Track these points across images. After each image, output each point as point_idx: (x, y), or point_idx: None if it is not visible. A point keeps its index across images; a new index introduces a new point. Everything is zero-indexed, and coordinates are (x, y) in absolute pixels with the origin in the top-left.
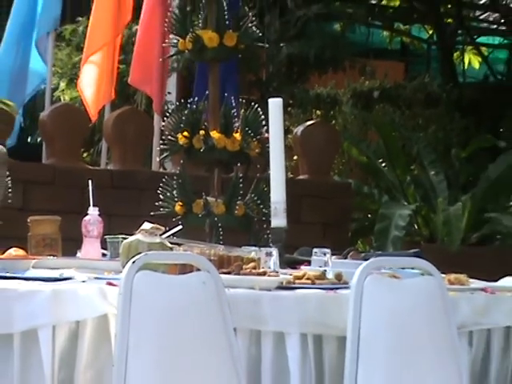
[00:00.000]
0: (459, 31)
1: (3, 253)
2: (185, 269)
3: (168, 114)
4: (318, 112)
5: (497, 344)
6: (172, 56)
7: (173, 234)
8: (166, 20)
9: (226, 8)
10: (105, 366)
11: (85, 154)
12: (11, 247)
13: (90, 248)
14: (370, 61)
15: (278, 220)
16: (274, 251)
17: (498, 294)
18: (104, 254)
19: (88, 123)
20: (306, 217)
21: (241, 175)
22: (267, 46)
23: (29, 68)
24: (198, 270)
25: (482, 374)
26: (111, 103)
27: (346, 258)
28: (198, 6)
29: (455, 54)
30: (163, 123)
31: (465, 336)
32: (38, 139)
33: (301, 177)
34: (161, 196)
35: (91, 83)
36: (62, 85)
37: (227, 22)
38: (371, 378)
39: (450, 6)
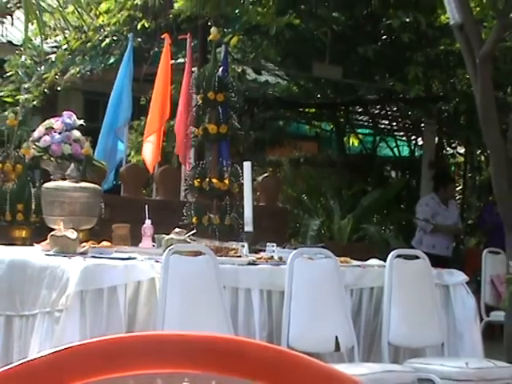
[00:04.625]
0: (347, 126)
1: (99, 243)
2: (197, 253)
3: (189, 170)
4: (270, 169)
5: (365, 299)
6: (192, 138)
7: (191, 235)
8: (189, 118)
9: (220, 112)
10: (154, 306)
11: (144, 191)
12: (103, 240)
13: (146, 242)
14: (299, 142)
15: (248, 227)
16: (246, 244)
17: (367, 268)
18: (153, 245)
19: (146, 174)
20: (263, 225)
21: (228, 203)
22: (243, 133)
23: (117, 147)
24: (204, 254)
25: (358, 316)
26: (158, 163)
27: (284, 248)
28: (205, 110)
29: (345, 138)
30: (187, 174)
31: (348, 295)
32: (119, 182)
33: (261, 204)
34: (184, 213)
35: (148, 153)
36: (132, 153)
37: (221, 120)
38: (297, 314)
39: (342, 112)
